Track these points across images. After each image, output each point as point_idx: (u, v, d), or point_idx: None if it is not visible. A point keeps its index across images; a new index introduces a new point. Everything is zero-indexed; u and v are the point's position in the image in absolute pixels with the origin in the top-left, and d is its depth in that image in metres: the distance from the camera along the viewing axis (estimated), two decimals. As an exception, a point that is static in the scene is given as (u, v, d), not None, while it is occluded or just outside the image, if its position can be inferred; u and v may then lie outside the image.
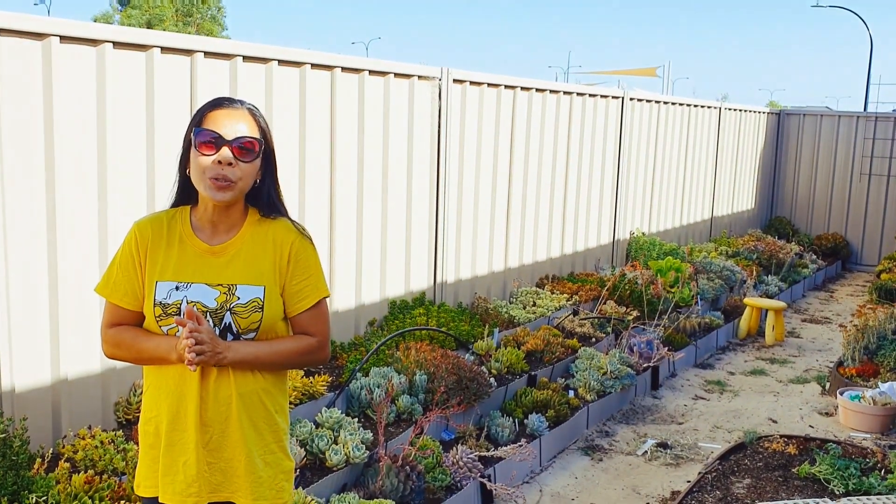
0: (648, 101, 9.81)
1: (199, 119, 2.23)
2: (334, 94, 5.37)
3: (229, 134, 2.19)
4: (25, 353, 3.82)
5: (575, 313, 7.28)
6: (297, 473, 3.93)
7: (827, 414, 6.20)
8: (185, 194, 2.34)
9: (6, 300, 3.70)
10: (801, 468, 4.78)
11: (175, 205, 2.36)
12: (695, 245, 10.89)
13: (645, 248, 9.53)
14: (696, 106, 11.08)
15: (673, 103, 10.50)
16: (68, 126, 3.88)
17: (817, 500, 4.19)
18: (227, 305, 2.23)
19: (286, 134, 5.06)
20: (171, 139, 4.29)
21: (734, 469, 4.90)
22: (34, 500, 3.34)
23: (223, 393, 2.26)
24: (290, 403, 4.49)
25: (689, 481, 4.81)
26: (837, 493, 4.48)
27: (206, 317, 2.21)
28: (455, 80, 6.43)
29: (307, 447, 4.22)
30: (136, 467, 3.70)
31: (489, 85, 6.91)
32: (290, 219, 2.37)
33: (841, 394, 6.01)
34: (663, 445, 5.45)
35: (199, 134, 2.19)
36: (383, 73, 5.75)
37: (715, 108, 11.65)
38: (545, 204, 8.01)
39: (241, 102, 2.29)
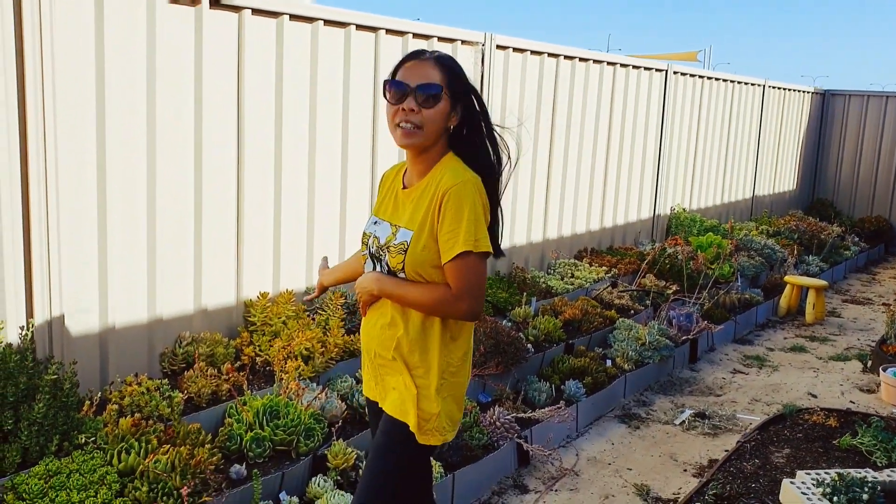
0: (692, 75, 9.68)
1: (393, 72, 2.40)
2: (378, 55, 5.37)
3: (413, 82, 2.33)
4: (75, 301, 3.90)
5: (614, 285, 7.24)
6: (339, 425, 3.97)
7: (868, 391, 6.11)
8: None
9: (57, 248, 3.77)
10: (843, 440, 4.72)
11: None
12: (736, 223, 10.75)
13: (685, 224, 9.44)
14: (739, 83, 10.90)
15: (716, 79, 10.34)
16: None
17: (859, 469, 4.14)
18: (388, 244, 2.42)
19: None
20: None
21: (773, 439, 4.86)
22: (83, 439, 3.42)
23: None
24: (332, 360, 4.54)
25: (727, 450, 4.78)
26: (880, 464, 4.42)
27: (380, 252, 2.45)
28: (498, 46, 6.40)
29: (347, 401, 4.26)
30: (180, 414, 3.79)
31: (532, 52, 6.86)
32: (467, 168, 2.37)
33: (884, 370, 5.92)
34: (701, 415, 5.42)
35: (388, 84, 2.37)
36: (427, 37, 5.74)
37: (759, 85, 11.45)
38: (586, 176, 7.96)
39: (431, 54, 2.41)
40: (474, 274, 2.30)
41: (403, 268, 2.36)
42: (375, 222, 2.52)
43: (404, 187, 2.49)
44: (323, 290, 2.99)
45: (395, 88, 2.35)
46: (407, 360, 2.42)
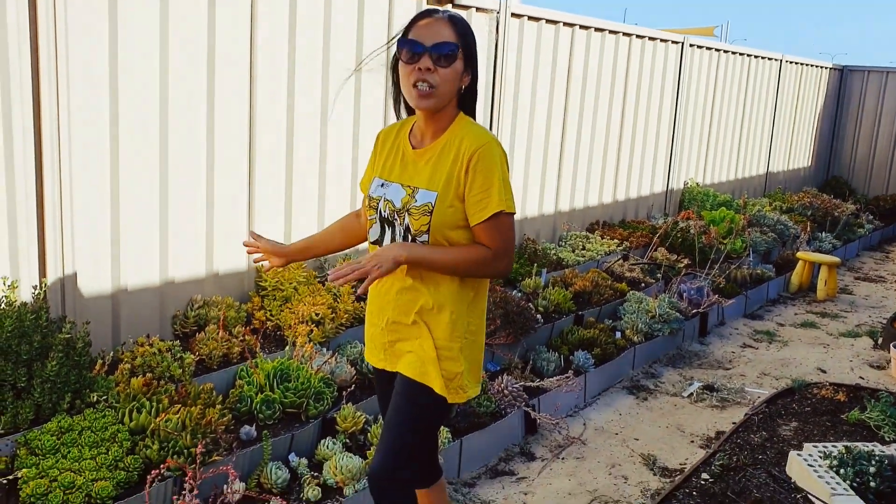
0: (708, 48, 9.58)
1: (404, 32, 2.36)
2: (392, 14, 5.33)
3: (428, 41, 2.29)
4: (88, 257, 3.92)
5: (625, 258, 7.23)
6: (349, 390, 4.00)
7: (878, 367, 6.10)
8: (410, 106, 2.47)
9: (70, 210, 3.79)
10: (851, 414, 4.72)
11: (409, 113, 2.53)
12: (749, 199, 10.69)
13: (698, 198, 9.39)
14: (756, 57, 10.78)
15: (733, 52, 10.23)
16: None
17: (867, 443, 4.14)
18: (407, 206, 2.36)
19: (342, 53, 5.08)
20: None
21: (781, 412, 4.87)
22: (95, 398, 3.45)
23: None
24: (342, 326, 4.56)
25: (734, 422, 4.79)
26: (888, 439, 4.43)
27: (394, 215, 2.39)
28: (513, 15, 6.34)
29: (357, 367, 4.29)
30: (191, 375, 3.81)
31: (547, 21, 6.80)
32: (485, 129, 2.42)
33: (894, 347, 5.90)
34: (709, 388, 5.42)
35: (402, 45, 2.33)
36: (441, 1, 5.69)
37: (776, 60, 11.33)
38: (599, 148, 7.91)
39: (443, 12, 2.38)
40: (510, 231, 2.37)
41: (428, 230, 2.33)
42: (382, 185, 2.46)
43: (413, 147, 2.45)
44: (286, 260, 2.71)
45: (410, 48, 2.30)
46: (430, 322, 2.42)
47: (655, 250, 7.53)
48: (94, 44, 3.78)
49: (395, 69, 2.42)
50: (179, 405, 3.48)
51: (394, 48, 2.39)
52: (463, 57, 2.35)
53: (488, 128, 6.39)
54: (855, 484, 3.70)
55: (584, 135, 7.61)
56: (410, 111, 2.51)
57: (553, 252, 6.95)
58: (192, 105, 4.25)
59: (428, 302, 2.41)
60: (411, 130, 2.49)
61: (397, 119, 2.56)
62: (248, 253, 2.73)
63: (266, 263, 2.71)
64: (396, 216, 2.38)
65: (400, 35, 2.37)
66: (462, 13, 5.88)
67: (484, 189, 2.30)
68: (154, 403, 3.46)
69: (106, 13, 3.80)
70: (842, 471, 3.78)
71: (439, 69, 2.30)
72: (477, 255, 2.33)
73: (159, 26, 4.03)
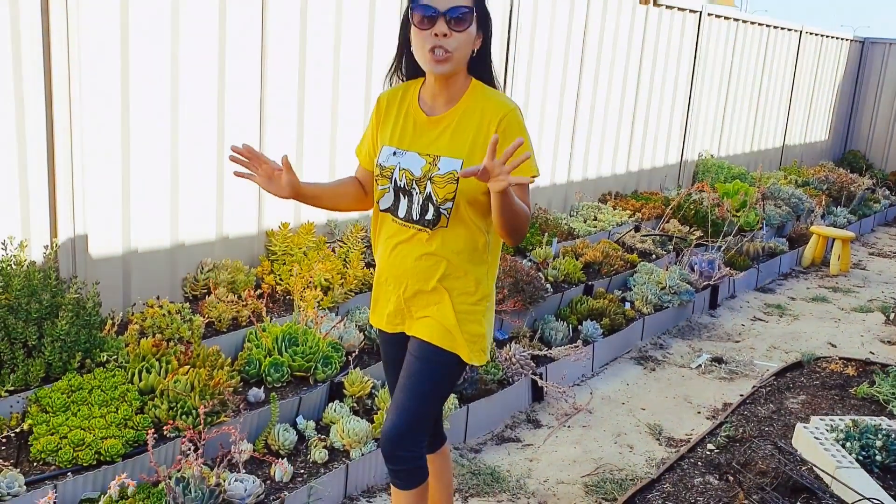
0: (727, 18, 9.45)
1: None
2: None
3: (443, 5, 2.24)
4: (99, 218, 3.94)
5: (637, 229, 7.20)
6: (356, 354, 4.02)
7: (889, 342, 6.08)
8: (414, 68, 2.42)
9: (81, 171, 3.80)
10: (860, 388, 4.71)
11: (409, 78, 2.46)
12: (764, 172, 10.60)
13: (713, 170, 9.32)
14: (775, 27, 10.63)
15: (752, 23, 10.09)
16: None
17: (874, 417, 4.13)
18: (429, 175, 2.33)
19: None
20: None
21: (789, 385, 4.86)
22: (105, 357, 3.49)
23: None
24: (351, 292, 4.57)
25: (742, 394, 4.79)
26: None
27: (412, 184, 2.34)
28: (529, -19, 6.27)
29: (365, 332, 4.30)
30: (200, 337, 3.84)
31: (564, -11, 6.72)
32: (505, 95, 2.41)
33: (906, 322, 5.87)
34: (718, 360, 5.42)
35: (415, 9, 2.26)
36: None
37: (795, 31, 11.16)
38: (613, 118, 7.84)
39: None
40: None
41: (454, 197, 2.31)
42: (395, 153, 2.39)
43: (427, 114, 2.40)
44: (294, 188, 2.38)
45: (423, 13, 2.24)
46: (452, 287, 2.42)
47: (667, 222, 7.49)
48: (105, 30, 3.77)
49: (403, 34, 2.38)
50: (188, 366, 3.51)
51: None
52: (477, 20, 2.31)
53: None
54: (861, 457, 3.70)
55: (598, 104, 7.55)
56: (409, 78, 2.47)
57: (564, 222, 6.93)
58: (203, 62, 4.23)
59: (450, 267, 2.41)
60: (419, 96, 2.43)
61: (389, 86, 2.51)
62: (240, 161, 2.32)
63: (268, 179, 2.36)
64: (416, 185, 2.34)
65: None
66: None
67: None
68: (163, 364, 3.49)
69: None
70: (847, 444, 3.77)
71: (455, 33, 2.24)
72: (527, 211, 2.32)
73: (171, -13, 4.00)
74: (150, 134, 4.06)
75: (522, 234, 2.37)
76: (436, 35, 2.24)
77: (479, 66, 2.42)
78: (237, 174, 2.34)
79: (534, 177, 2.32)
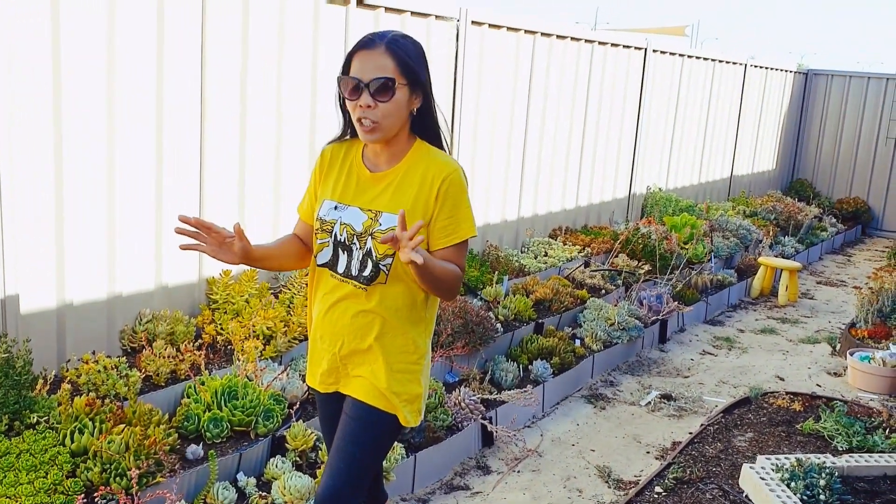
0: (672, 53, 9.62)
1: (345, 64, 2.32)
2: (348, 30, 5.28)
3: (366, 76, 2.26)
4: (31, 276, 3.83)
5: (586, 265, 7.23)
6: (298, 406, 3.95)
7: (836, 374, 6.15)
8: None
9: (12, 224, 3.70)
10: (806, 424, 4.75)
11: (354, 136, 2.45)
12: (712, 203, 10.76)
13: (661, 203, 9.43)
14: (720, 62, 10.85)
15: (697, 57, 10.28)
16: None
17: (819, 455, 4.16)
18: (370, 230, 2.33)
19: (298, 69, 5.01)
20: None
21: (737, 423, 4.88)
22: (35, 419, 3.37)
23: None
24: (295, 339, 4.49)
25: (690, 433, 4.80)
26: (840, 448, 4.45)
27: (353, 239, 2.34)
28: (473, 22, 6.31)
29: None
30: (137, 393, 3.74)
31: (509, 29, 6.78)
32: (447, 154, 2.44)
33: (851, 354, 5.95)
34: (667, 397, 5.43)
35: (341, 82, 2.31)
36: (400, 11, 5.64)
37: (740, 64, 11.41)
38: (562, 154, 7.91)
39: (382, 38, 2.30)
40: (466, 255, 2.42)
41: (394, 253, 2.30)
42: (336, 207, 2.39)
43: (370, 171, 2.41)
44: (246, 254, 2.36)
45: (349, 85, 2.28)
46: (390, 345, 2.39)
47: (616, 256, 7.55)
48: (38, 45, 3.69)
49: (342, 101, 2.39)
50: (123, 425, 3.41)
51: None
52: (407, 84, 2.31)
53: (448, 136, 6.34)
54: (805, 497, 3.71)
55: (546, 140, 7.60)
56: (354, 136, 2.47)
57: (515, 259, 6.94)
58: (141, 118, 4.17)
59: (386, 325, 2.38)
60: (363, 153, 2.44)
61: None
62: (186, 233, 2.29)
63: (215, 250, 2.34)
64: (357, 240, 2.34)
65: (341, 69, 2.33)
66: (421, 21, 5.84)
67: (453, 214, 2.33)
68: (97, 424, 3.38)
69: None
70: (793, 483, 3.79)
71: (379, 104, 2.26)
72: (455, 272, 2.34)
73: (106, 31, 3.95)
74: (84, 185, 3.97)
75: (453, 293, 2.36)
76: (361, 106, 2.27)
77: (423, 125, 2.43)
78: (184, 247, 2.31)
79: (469, 238, 2.36)
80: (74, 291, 4.02)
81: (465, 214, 2.35)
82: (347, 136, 2.50)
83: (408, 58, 2.31)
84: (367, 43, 2.30)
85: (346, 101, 2.32)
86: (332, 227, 2.38)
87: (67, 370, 3.81)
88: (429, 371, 2.53)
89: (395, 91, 2.27)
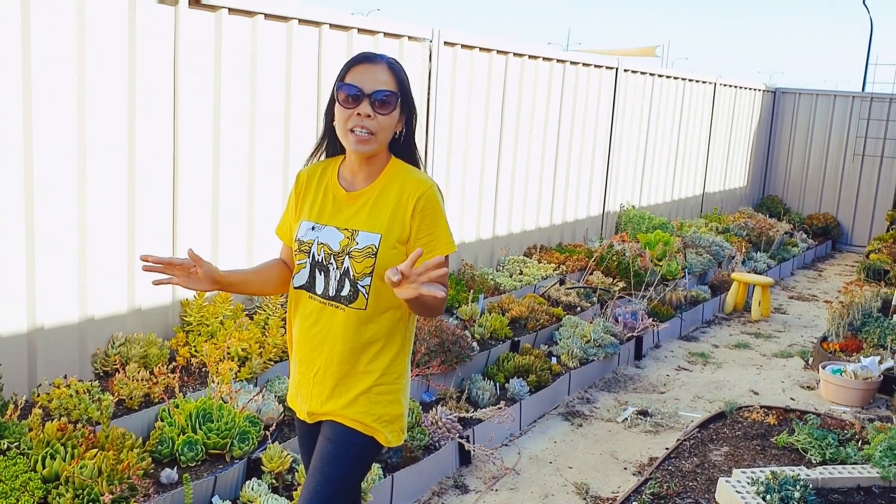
0: (643, 73, 9.74)
1: (343, 74, 2.34)
2: (321, 51, 5.30)
3: (369, 88, 2.29)
4: (0, 300, 3.78)
5: (561, 282, 7.26)
6: (274, 428, 3.92)
7: (809, 387, 6.22)
8: (335, 145, 2.47)
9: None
10: (780, 438, 4.79)
11: (330, 155, 2.50)
12: (685, 220, 10.87)
13: (635, 221, 9.51)
14: (690, 81, 11.00)
15: (668, 77, 10.42)
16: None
17: (793, 467, 4.20)
18: (347, 249, 2.33)
19: (270, 87, 5.01)
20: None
21: (713, 437, 4.91)
22: (6, 445, 3.32)
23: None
24: (270, 361, 4.47)
25: (667, 448, 4.82)
26: (814, 461, 4.49)
27: (330, 259, 2.34)
28: (446, 43, 6.36)
29: (284, 403, 4.20)
30: (110, 417, 3.69)
31: (481, 49, 6.83)
32: (423, 172, 2.45)
33: (823, 368, 6.02)
34: (643, 413, 5.46)
35: (341, 88, 2.31)
36: (373, 33, 5.67)
37: (710, 83, 11.57)
38: (535, 173, 7.96)
39: (382, 57, 2.36)
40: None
41: (372, 272, 2.31)
42: (313, 228, 2.40)
43: (346, 190, 2.42)
44: (213, 279, 2.37)
45: (349, 92, 2.30)
46: (369, 366, 2.39)
47: (591, 274, 7.59)
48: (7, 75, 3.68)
49: (330, 114, 2.41)
50: (96, 450, 3.36)
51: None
52: (400, 104, 2.35)
53: (423, 154, 6.37)
54: (780, 510, 3.74)
55: (519, 160, 7.65)
56: (330, 155, 2.51)
57: (491, 277, 6.96)
58: (112, 143, 4.15)
59: (366, 346, 2.38)
60: (339, 173, 2.46)
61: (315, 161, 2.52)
62: (154, 269, 2.30)
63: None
64: (334, 259, 2.34)
65: (337, 78, 2.35)
66: (394, 42, 5.87)
67: (431, 231, 2.34)
68: (69, 449, 3.34)
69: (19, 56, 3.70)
70: (768, 496, 3.82)
71: (379, 116, 2.30)
72: (442, 295, 2.31)
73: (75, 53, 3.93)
74: (55, 207, 3.94)
75: (439, 311, 2.36)
76: (359, 115, 2.28)
77: (403, 148, 2.45)
78: (156, 283, 2.33)
79: (450, 254, 2.36)
80: (45, 315, 3.97)
81: (442, 230, 2.35)
82: (322, 151, 2.52)
83: (405, 79, 2.39)
84: (369, 57, 2.35)
85: (340, 109, 2.32)
86: (310, 248, 2.38)
87: (39, 395, 3.76)
88: (408, 390, 2.53)
89: (394, 106, 2.33)
